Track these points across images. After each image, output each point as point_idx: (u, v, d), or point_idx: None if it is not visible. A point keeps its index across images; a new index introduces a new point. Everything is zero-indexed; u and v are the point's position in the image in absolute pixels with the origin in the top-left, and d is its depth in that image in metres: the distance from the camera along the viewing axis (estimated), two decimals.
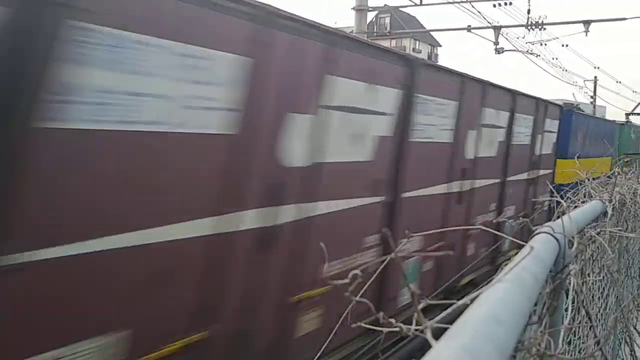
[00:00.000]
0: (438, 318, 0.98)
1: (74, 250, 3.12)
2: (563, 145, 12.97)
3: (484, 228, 1.61)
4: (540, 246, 1.48)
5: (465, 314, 0.85)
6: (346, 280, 1.12)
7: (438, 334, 0.88)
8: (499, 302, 0.90)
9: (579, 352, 2.08)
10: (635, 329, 4.43)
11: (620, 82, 49.92)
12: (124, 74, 3.29)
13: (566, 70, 30.39)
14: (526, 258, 1.24)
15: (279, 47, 4.47)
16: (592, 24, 18.49)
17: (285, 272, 4.78)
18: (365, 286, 1.34)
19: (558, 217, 2.07)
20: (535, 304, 1.58)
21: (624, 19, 17.84)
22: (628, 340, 4.10)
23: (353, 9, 19.57)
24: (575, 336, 2.11)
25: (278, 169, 4.61)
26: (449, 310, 1.02)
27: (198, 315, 3.96)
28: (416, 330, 1.01)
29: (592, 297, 2.79)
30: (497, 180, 9.38)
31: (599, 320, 2.92)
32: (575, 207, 2.89)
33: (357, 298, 1.23)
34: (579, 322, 1.92)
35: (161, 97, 3.54)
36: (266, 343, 4.67)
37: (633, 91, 37.18)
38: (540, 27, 20.99)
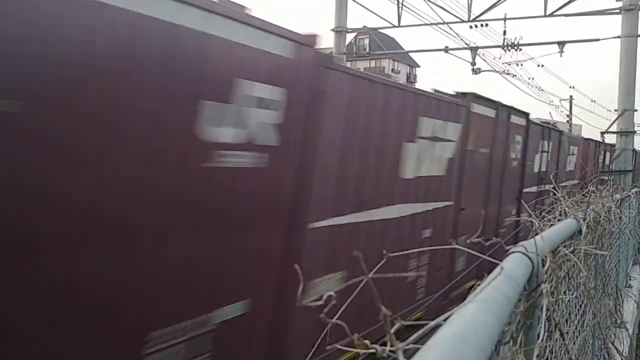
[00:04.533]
0: (410, 339, 0.99)
1: None
2: None
3: (458, 247, 1.61)
4: (513, 265, 1.50)
5: (434, 335, 0.86)
6: (320, 302, 1.13)
7: (414, 354, 0.89)
8: (468, 323, 0.91)
9: None
10: (613, 345, 4.47)
11: (595, 101, 50.72)
12: None
13: (542, 90, 30.90)
14: (497, 278, 1.26)
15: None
16: (567, 44, 18.85)
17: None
18: (342, 308, 1.35)
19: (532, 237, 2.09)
20: (509, 323, 1.60)
21: (597, 39, 18.19)
22: (606, 356, 4.14)
23: (332, 30, 19.76)
24: (552, 354, 2.13)
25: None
26: (421, 331, 1.04)
27: None
28: (390, 351, 1.02)
29: (569, 314, 2.81)
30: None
31: (576, 337, 2.94)
32: (551, 225, 2.93)
33: (334, 320, 1.24)
34: (555, 340, 1.94)
35: None
36: None
37: (607, 110, 37.83)
38: (516, 47, 21.33)
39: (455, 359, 0.74)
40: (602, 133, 17.85)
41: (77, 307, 3.41)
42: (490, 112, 10.62)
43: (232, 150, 4.54)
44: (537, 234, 2.01)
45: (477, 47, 20.67)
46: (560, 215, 3.57)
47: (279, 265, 5.23)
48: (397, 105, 7.36)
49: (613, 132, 16.78)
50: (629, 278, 7.82)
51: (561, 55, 19.05)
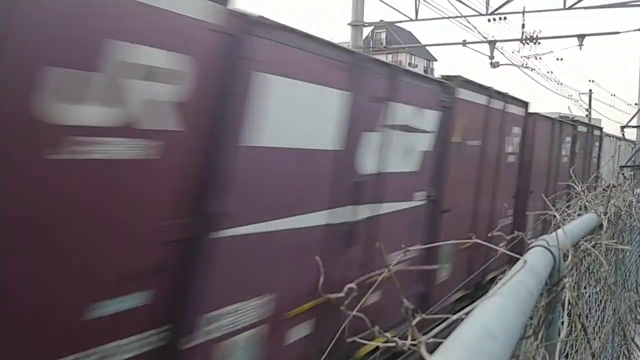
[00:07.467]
0: (433, 333, 0.98)
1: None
2: None
3: (479, 241, 1.61)
4: (535, 259, 1.48)
5: (459, 329, 0.85)
6: (341, 294, 1.12)
7: (434, 348, 0.88)
8: (493, 317, 0.90)
9: None
10: (633, 341, 4.41)
11: (614, 95, 50.11)
12: None
13: (561, 84, 30.61)
14: (520, 272, 1.24)
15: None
16: (586, 37, 18.62)
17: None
18: (363, 300, 1.34)
19: (554, 231, 2.07)
20: (531, 317, 1.58)
21: (617, 32, 17.96)
22: (626, 352, 4.09)
23: (349, 24, 19.69)
24: (572, 349, 2.11)
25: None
26: (444, 324, 1.03)
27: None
28: (411, 344, 1.01)
29: (589, 309, 2.78)
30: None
31: (596, 332, 2.91)
32: (571, 220, 2.90)
33: (354, 312, 1.23)
34: (575, 335, 1.92)
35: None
36: None
37: (627, 104, 37.34)
38: (534, 41, 21.12)
39: (482, 353, 0.73)
40: (622, 127, 17.66)
41: None
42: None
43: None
44: (558, 227, 1.98)
45: (495, 41, 20.51)
46: (580, 209, 3.53)
47: None
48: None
49: (633, 127, 16.59)
50: None
51: (580, 49, 18.85)
